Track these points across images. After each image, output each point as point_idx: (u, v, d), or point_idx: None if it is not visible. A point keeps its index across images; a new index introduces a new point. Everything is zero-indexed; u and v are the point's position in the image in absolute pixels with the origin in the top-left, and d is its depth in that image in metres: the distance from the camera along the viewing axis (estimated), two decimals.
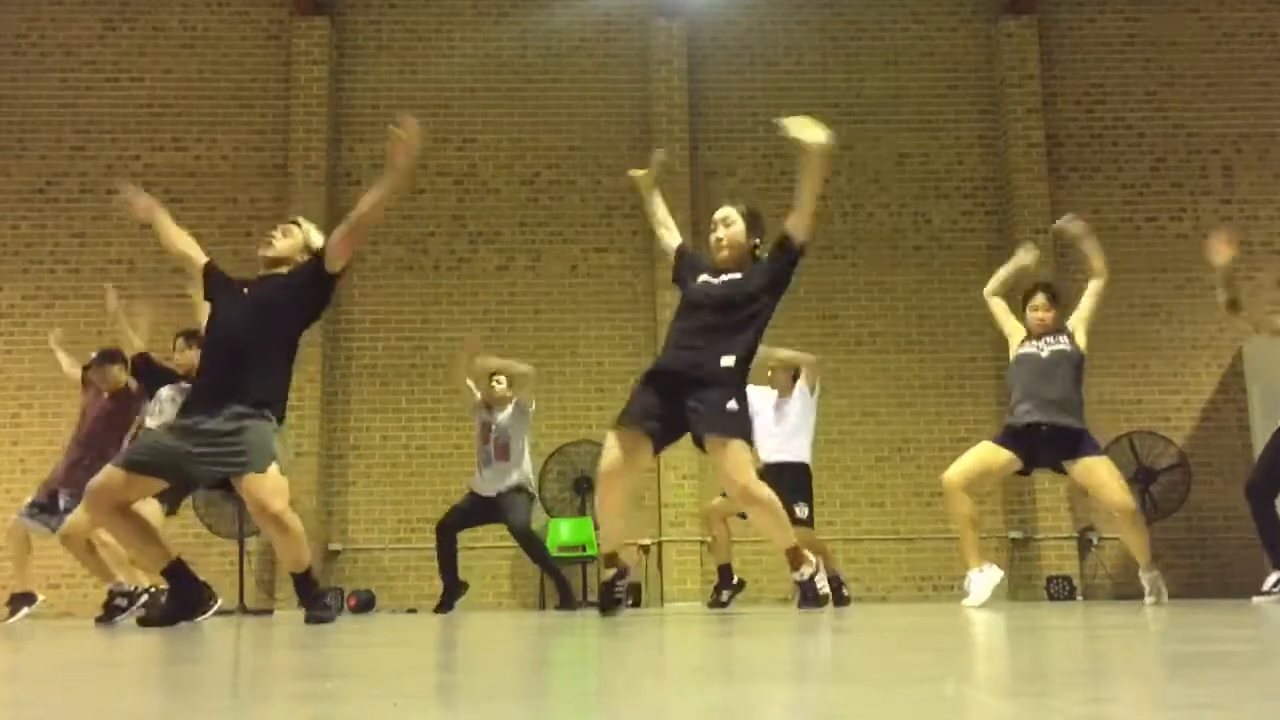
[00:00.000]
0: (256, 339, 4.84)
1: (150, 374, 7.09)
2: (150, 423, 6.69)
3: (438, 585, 9.61)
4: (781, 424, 7.68)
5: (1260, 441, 10.01)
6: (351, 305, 10.52)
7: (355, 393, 10.40)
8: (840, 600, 7.74)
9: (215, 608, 5.48)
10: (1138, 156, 10.99)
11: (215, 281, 5.10)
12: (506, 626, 4.71)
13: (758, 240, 5.26)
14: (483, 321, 10.51)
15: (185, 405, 4.95)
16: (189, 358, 6.63)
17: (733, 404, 4.97)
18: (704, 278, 5.22)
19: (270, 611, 9.27)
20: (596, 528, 9.65)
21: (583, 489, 9.86)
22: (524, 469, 8.25)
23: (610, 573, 5.26)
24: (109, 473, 4.70)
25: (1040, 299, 6.38)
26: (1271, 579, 6.77)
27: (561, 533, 9.68)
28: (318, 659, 2.68)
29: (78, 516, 6.39)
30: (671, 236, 5.52)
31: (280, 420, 4.92)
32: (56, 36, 10.82)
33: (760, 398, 7.76)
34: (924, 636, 3.22)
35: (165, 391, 6.84)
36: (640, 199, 5.61)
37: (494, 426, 8.24)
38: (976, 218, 10.87)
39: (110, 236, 10.47)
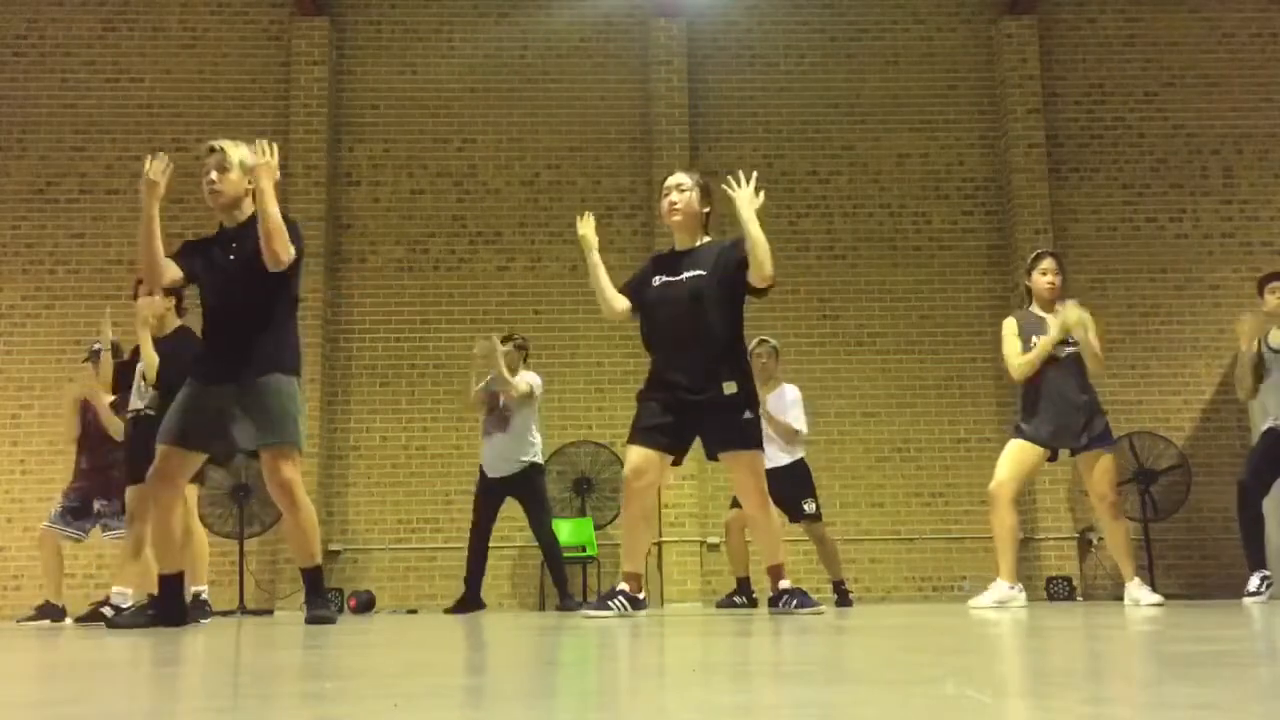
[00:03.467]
0: (257, 300, 4.82)
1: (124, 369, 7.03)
2: (137, 402, 6.58)
3: (438, 585, 9.64)
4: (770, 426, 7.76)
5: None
6: (351, 305, 10.52)
7: (355, 393, 10.40)
8: (845, 601, 7.79)
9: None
10: (1138, 157, 10.99)
11: (193, 256, 4.98)
12: (506, 626, 4.71)
13: (708, 210, 5.27)
14: (482, 321, 10.51)
15: (200, 373, 4.86)
16: (154, 303, 6.47)
17: (747, 414, 5.00)
18: (662, 278, 5.16)
19: (270, 611, 9.28)
20: (598, 528, 9.66)
21: (583, 489, 9.86)
22: (533, 445, 8.14)
23: (624, 586, 5.27)
24: (164, 452, 4.69)
25: (1050, 263, 6.43)
26: (1255, 580, 6.85)
27: (561, 533, 9.67)
28: (318, 659, 2.68)
29: (139, 515, 6.30)
30: (619, 303, 5.31)
31: (299, 375, 4.90)
32: (56, 36, 10.82)
33: None
34: (924, 636, 3.22)
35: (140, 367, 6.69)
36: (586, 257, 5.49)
37: (500, 397, 8.15)
38: (976, 218, 10.87)
39: (110, 236, 10.48)
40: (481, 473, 8.24)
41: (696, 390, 5.00)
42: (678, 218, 5.17)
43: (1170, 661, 2.16)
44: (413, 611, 9.54)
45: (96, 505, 7.23)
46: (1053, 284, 6.39)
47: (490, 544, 8.35)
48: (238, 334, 4.82)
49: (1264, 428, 7.16)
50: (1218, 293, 10.75)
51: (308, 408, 10.07)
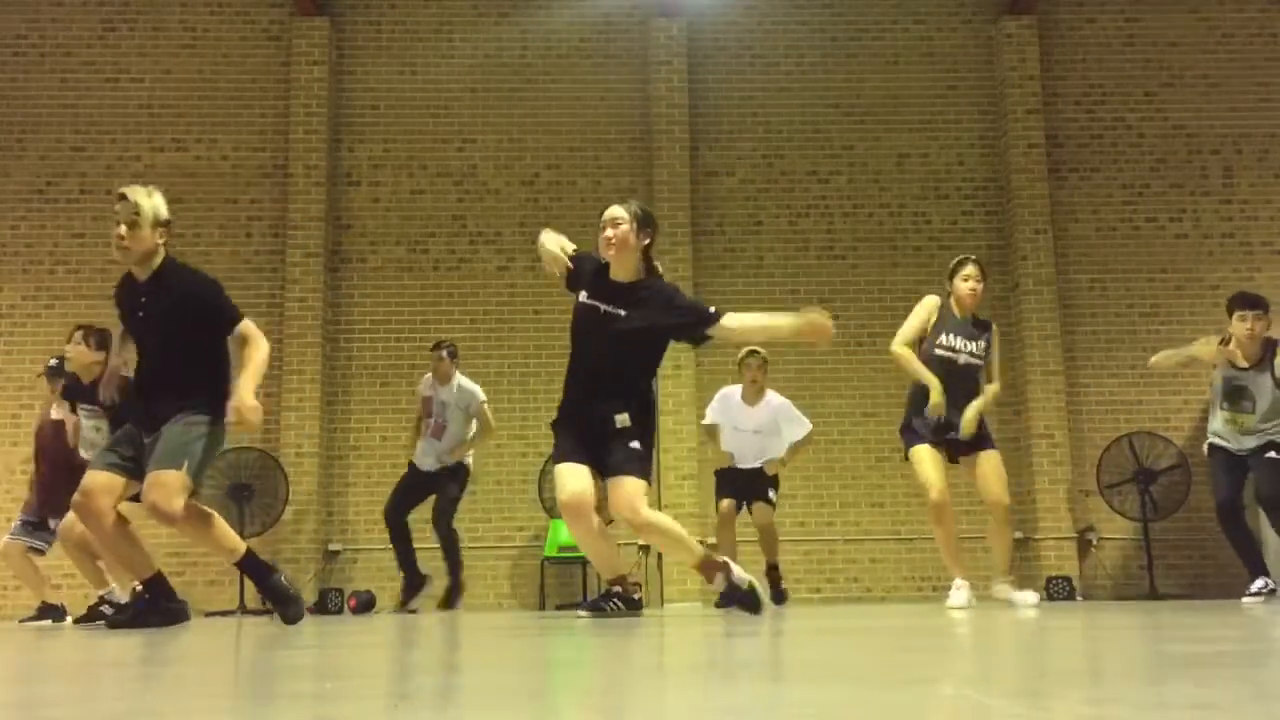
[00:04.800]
0: (168, 352, 4.78)
1: (69, 388, 6.99)
2: (83, 453, 6.60)
3: (437, 586, 9.62)
4: (757, 433, 7.90)
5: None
6: (351, 305, 10.52)
7: (355, 393, 10.40)
8: (778, 591, 7.97)
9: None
10: (1138, 157, 10.99)
11: (120, 302, 5.01)
12: (506, 626, 4.71)
13: (648, 241, 5.08)
14: (483, 322, 10.52)
15: (132, 416, 4.89)
16: (81, 354, 6.53)
17: (635, 444, 4.96)
18: (590, 300, 5.08)
19: (270, 611, 9.27)
20: None
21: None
22: (463, 449, 8.45)
23: (616, 589, 5.35)
24: (95, 477, 4.65)
25: (973, 269, 6.47)
26: (1258, 582, 6.91)
27: (561, 533, 9.67)
28: (318, 659, 2.68)
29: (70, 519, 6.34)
30: (560, 267, 5.29)
31: (214, 414, 4.77)
32: (56, 36, 10.82)
33: (731, 408, 7.93)
34: (924, 637, 3.22)
35: (85, 422, 6.72)
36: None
37: (435, 403, 8.46)
38: (976, 218, 10.87)
39: (110, 236, 10.46)
40: (411, 465, 8.55)
41: (599, 420, 4.97)
42: (612, 252, 5.03)
43: (1170, 661, 2.16)
44: (413, 611, 9.54)
45: (52, 524, 7.26)
46: (974, 290, 6.44)
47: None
48: (150, 382, 4.82)
49: (1207, 445, 7.30)
50: (1218, 293, 10.73)
51: (310, 408, 10.07)
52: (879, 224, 10.82)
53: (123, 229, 4.77)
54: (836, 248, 10.77)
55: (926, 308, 6.50)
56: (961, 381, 6.35)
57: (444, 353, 8.53)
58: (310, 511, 9.89)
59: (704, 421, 8.28)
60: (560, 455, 5.06)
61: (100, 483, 4.63)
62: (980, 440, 6.38)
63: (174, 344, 4.77)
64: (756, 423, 7.93)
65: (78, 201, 10.54)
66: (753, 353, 7.94)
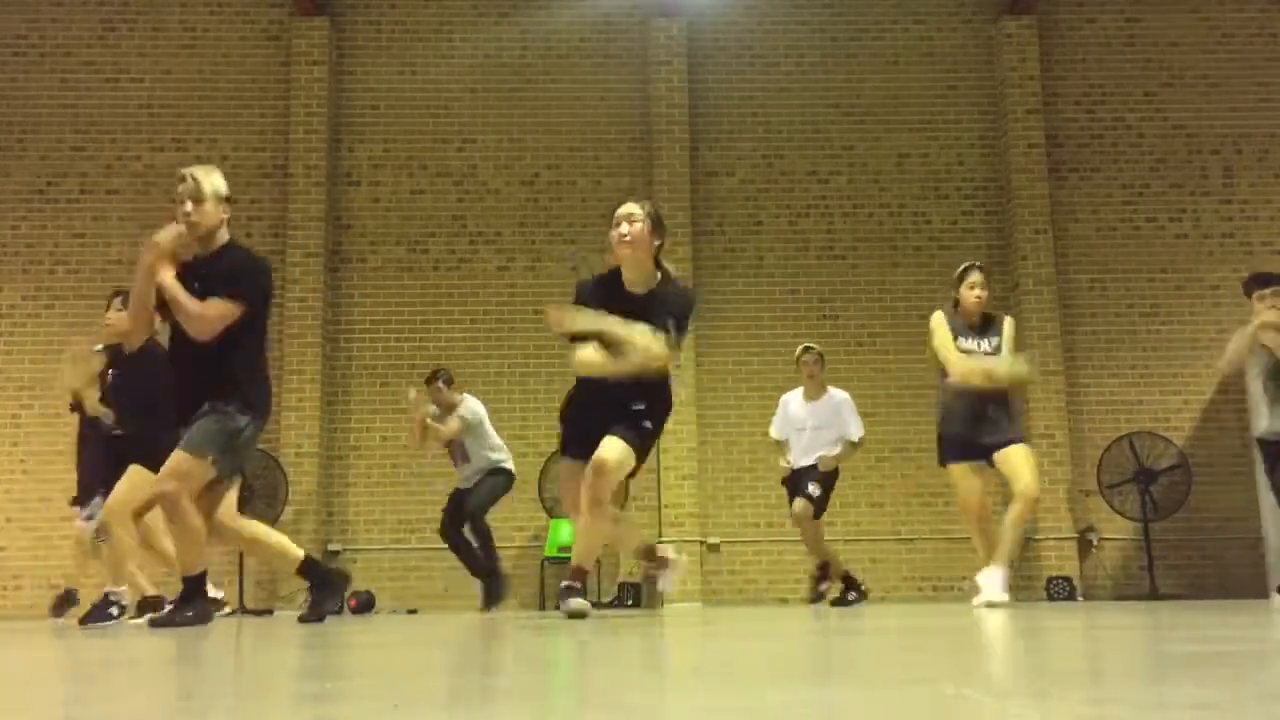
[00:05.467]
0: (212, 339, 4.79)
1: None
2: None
3: (438, 585, 9.64)
4: (817, 429, 7.83)
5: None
6: (351, 305, 10.52)
7: (355, 393, 10.40)
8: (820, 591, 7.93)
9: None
10: (1138, 156, 10.99)
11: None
12: (506, 626, 4.71)
13: (659, 243, 5.02)
14: (482, 322, 10.52)
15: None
16: (122, 318, 6.41)
17: (646, 424, 4.94)
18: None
19: (270, 611, 9.27)
20: None
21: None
22: (491, 458, 8.38)
23: (643, 564, 5.49)
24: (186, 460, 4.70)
25: (977, 276, 6.49)
26: None
27: (562, 533, 9.67)
28: (318, 659, 2.68)
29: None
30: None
31: (248, 412, 4.80)
32: (56, 36, 10.82)
33: (790, 413, 7.91)
34: (924, 637, 3.22)
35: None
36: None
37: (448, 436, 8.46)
38: (977, 218, 10.87)
39: (110, 236, 10.48)
40: (455, 489, 8.56)
41: (615, 403, 4.94)
42: (627, 250, 4.95)
43: (1170, 661, 2.16)
44: (413, 611, 9.54)
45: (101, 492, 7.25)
46: (980, 298, 6.46)
47: (491, 544, 8.40)
48: (192, 369, 4.82)
49: (1259, 436, 7.29)
50: (1218, 293, 10.74)
51: (310, 408, 10.08)
52: (879, 224, 10.82)
53: (189, 204, 4.84)
54: (836, 248, 10.77)
55: (938, 325, 6.54)
56: (988, 398, 6.39)
57: (440, 383, 8.46)
58: (310, 511, 9.89)
59: (771, 435, 8.16)
60: (564, 450, 5.10)
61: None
62: (1010, 438, 6.39)
63: (221, 334, 4.77)
64: (817, 419, 7.84)
65: (78, 201, 10.54)
66: (806, 349, 7.99)
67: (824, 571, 7.92)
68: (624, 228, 4.97)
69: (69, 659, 2.94)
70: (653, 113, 10.73)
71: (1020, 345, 6.68)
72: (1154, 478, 9.75)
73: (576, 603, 5.06)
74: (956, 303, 6.57)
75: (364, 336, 10.49)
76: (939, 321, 6.54)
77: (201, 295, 4.79)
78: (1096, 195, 10.92)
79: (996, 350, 6.45)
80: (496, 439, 8.52)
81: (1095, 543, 10.25)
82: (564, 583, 5.20)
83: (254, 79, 10.83)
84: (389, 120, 10.86)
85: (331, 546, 10.07)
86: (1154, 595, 9.50)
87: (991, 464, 6.45)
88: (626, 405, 4.91)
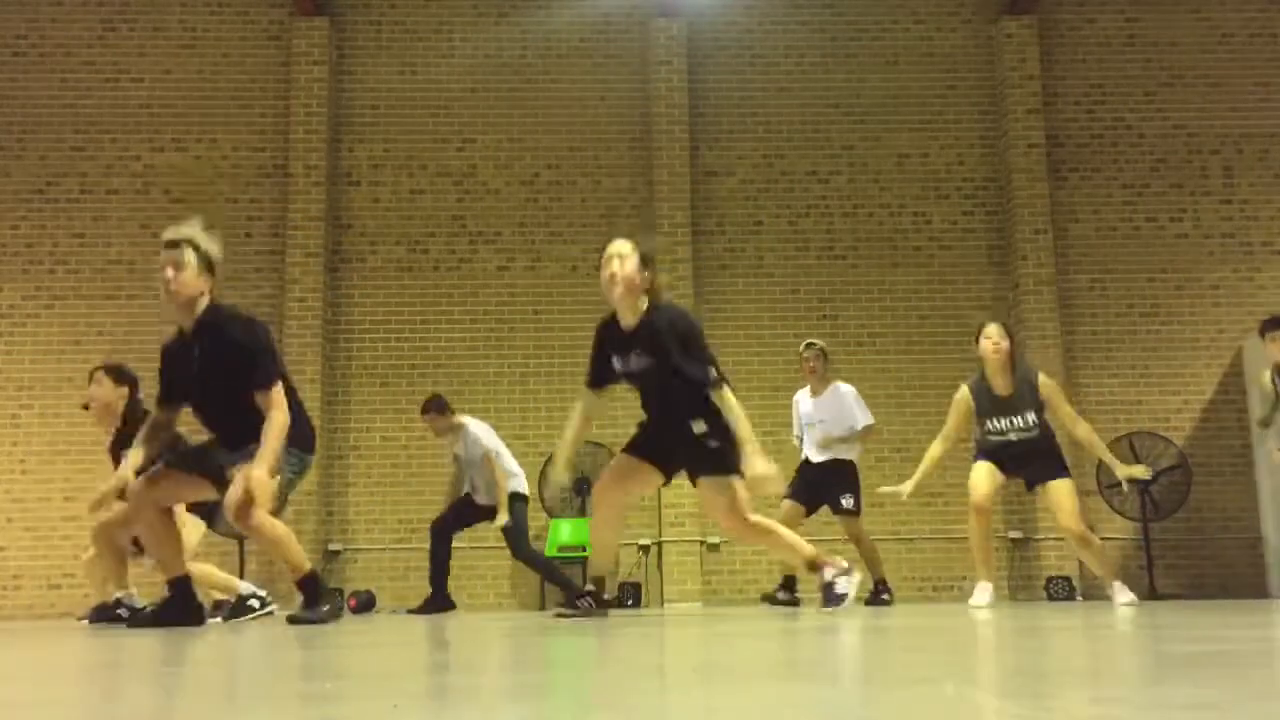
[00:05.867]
0: (227, 398, 4.84)
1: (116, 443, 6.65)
2: None
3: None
4: (823, 422, 7.87)
5: (1261, 442, 10.05)
6: (351, 305, 10.52)
7: (355, 393, 10.40)
8: (877, 600, 7.98)
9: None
10: (1138, 156, 10.99)
11: (170, 381, 5.01)
12: (506, 626, 4.71)
13: (648, 274, 5.02)
14: (482, 322, 10.52)
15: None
16: (107, 391, 6.38)
17: (713, 443, 4.96)
18: (617, 360, 5.11)
19: (270, 611, 9.26)
20: None
21: (583, 490, 9.86)
22: (502, 484, 8.21)
23: (589, 588, 5.39)
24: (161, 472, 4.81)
25: (993, 328, 6.50)
26: None
27: (562, 533, 9.68)
28: (318, 659, 2.68)
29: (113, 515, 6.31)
30: (595, 411, 5.45)
31: (299, 449, 4.99)
32: (56, 36, 10.82)
33: (800, 410, 7.99)
34: (924, 636, 3.22)
35: None
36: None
37: (457, 458, 8.42)
38: (977, 218, 10.87)
39: (110, 236, 10.48)
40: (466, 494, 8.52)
41: (676, 436, 5.04)
42: (618, 290, 4.94)
43: (1170, 661, 2.16)
44: (413, 611, 9.54)
45: None
46: (997, 347, 6.46)
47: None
48: (219, 430, 4.91)
49: None
50: (1218, 293, 10.75)
51: (310, 408, 10.07)
52: (879, 224, 10.82)
53: (170, 271, 4.74)
54: (836, 248, 10.77)
55: (957, 405, 6.64)
56: (1024, 450, 6.47)
57: (432, 414, 8.30)
58: (310, 511, 9.89)
59: (794, 438, 8.22)
60: (628, 446, 5.22)
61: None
62: (1053, 470, 6.46)
63: (232, 391, 4.77)
64: (823, 413, 7.88)
65: (78, 201, 10.54)
66: (808, 345, 8.02)
67: (884, 584, 7.95)
68: (614, 267, 4.95)
69: (69, 659, 2.94)
70: (653, 113, 10.73)
71: (1049, 397, 6.56)
72: (1154, 478, 9.75)
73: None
74: (983, 372, 6.54)
75: (364, 336, 10.49)
76: (957, 405, 6.62)
77: (204, 369, 4.80)
78: (1096, 195, 10.91)
79: (1031, 428, 6.41)
80: (510, 463, 8.35)
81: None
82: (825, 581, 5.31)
83: (254, 79, 10.83)
84: (389, 120, 10.86)
85: (332, 546, 10.08)
86: (1154, 595, 9.50)
87: (1030, 489, 6.58)
88: (688, 430, 4.98)
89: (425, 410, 8.42)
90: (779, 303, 10.65)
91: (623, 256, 4.94)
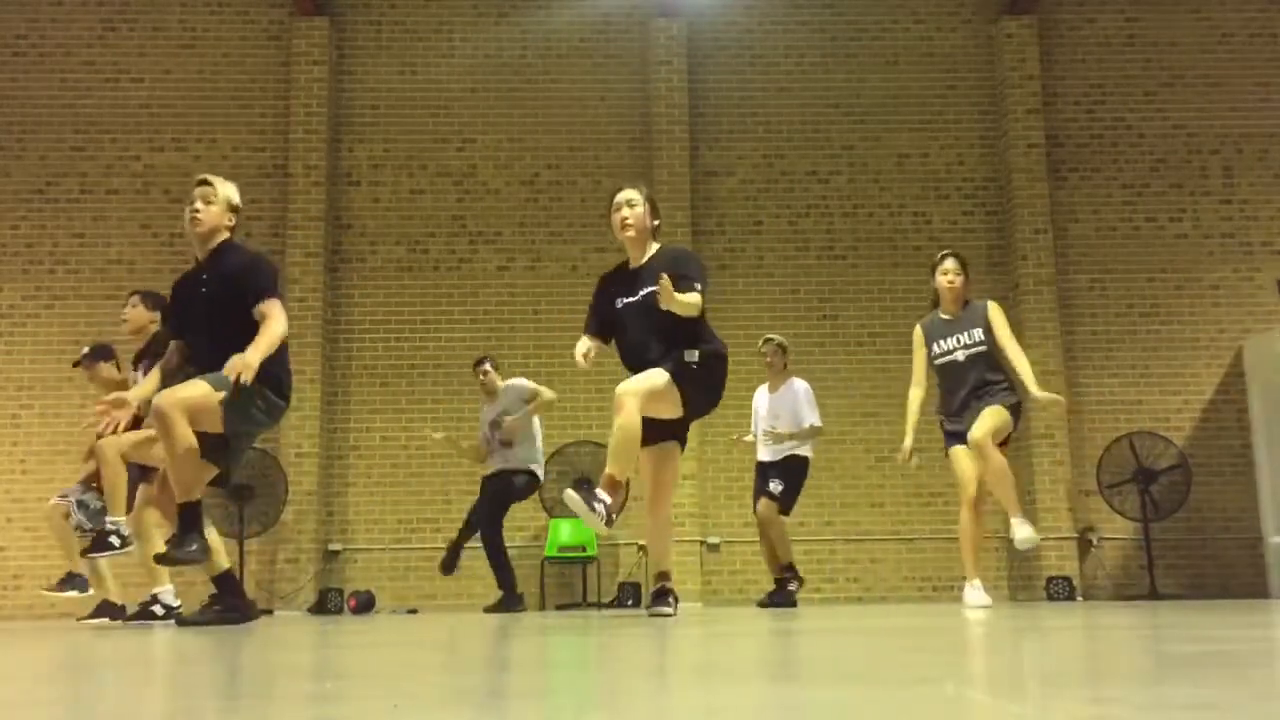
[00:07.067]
0: (226, 328, 4.93)
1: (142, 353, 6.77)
2: None
3: (438, 585, 9.63)
4: (770, 421, 7.90)
5: (1261, 442, 10.06)
6: (351, 305, 10.52)
7: (355, 393, 10.40)
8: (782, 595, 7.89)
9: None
10: (1138, 156, 10.99)
11: (176, 315, 5.20)
12: (506, 626, 4.71)
13: (657, 223, 5.47)
14: (482, 322, 10.52)
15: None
16: (139, 315, 6.58)
17: (695, 365, 5.15)
18: (622, 300, 5.34)
19: (270, 611, 9.27)
20: None
21: (583, 489, 9.84)
22: (529, 451, 8.32)
23: (662, 584, 5.63)
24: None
25: (951, 263, 6.56)
26: None
27: (561, 533, 9.68)
28: (318, 659, 2.68)
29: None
30: (593, 352, 5.51)
31: (274, 392, 4.97)
32: (56, 36, 10.82)
33: (758, 406, 8.00)
34: (924, 637, 3.22)
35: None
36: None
37: (493, 426, 8.36)
38: (977, 218, 10.87)
39: (110, 236, 10.48)
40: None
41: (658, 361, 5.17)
42: (630, 233, 5.36)
43: (1170, 661, 2.16)
44: (413, 611, 9.54)
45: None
46: (951, 284, 6.53)
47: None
48: (211, 352, 4.93)
49: None
50: (1218, 293, 10.75)
51: (310, 408, 10.07)
52: (879, 224, 10.82)
53: (199, 204, 5.08)
54: (836, 248, 10.77)
55: (916, 340, 6.72)
56: (969, 376, 6.42)
57: (486, 366, 8.45)
58: (310, 511, 9.90)
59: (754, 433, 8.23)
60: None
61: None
62: (994, 401, 6.37)
63: (230, 322, 4.91)
64: (773, 409, 7.90)
65: (78, 201, 10.54)
66: (766, 340, 8.06)
67: (792, 571, 7.94)
68: (625, 213, 5.35)
69: (69, 659, 2.94)
70: (653, 113, 10.73)
71: (1019, 336, 6.67)
72: (1154, 478, 9.75)
73: None
74: (935, 299, 6.65)
75: (364, 336, 10.49)
76: (916, 340, 6.70)
77: (210, 294, 4.99)
78: (1096, 195, 10.92)
79: (978, 344, 6.44)
80: (539, 438, 8.43)
81: (1095, 543, 10.25)
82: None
83: (254, 79, 10.84)
84: (389, 120, 10.86)
85: (332, 546, 10.08)
86: (1154, 595, 9.50)
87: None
88: (689, 364, 5.13)
89: (482, 361, 8.50)
90: (779, 303, 10.65)
91: (633, 203, 5.36)
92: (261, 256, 5.25)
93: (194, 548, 4.73)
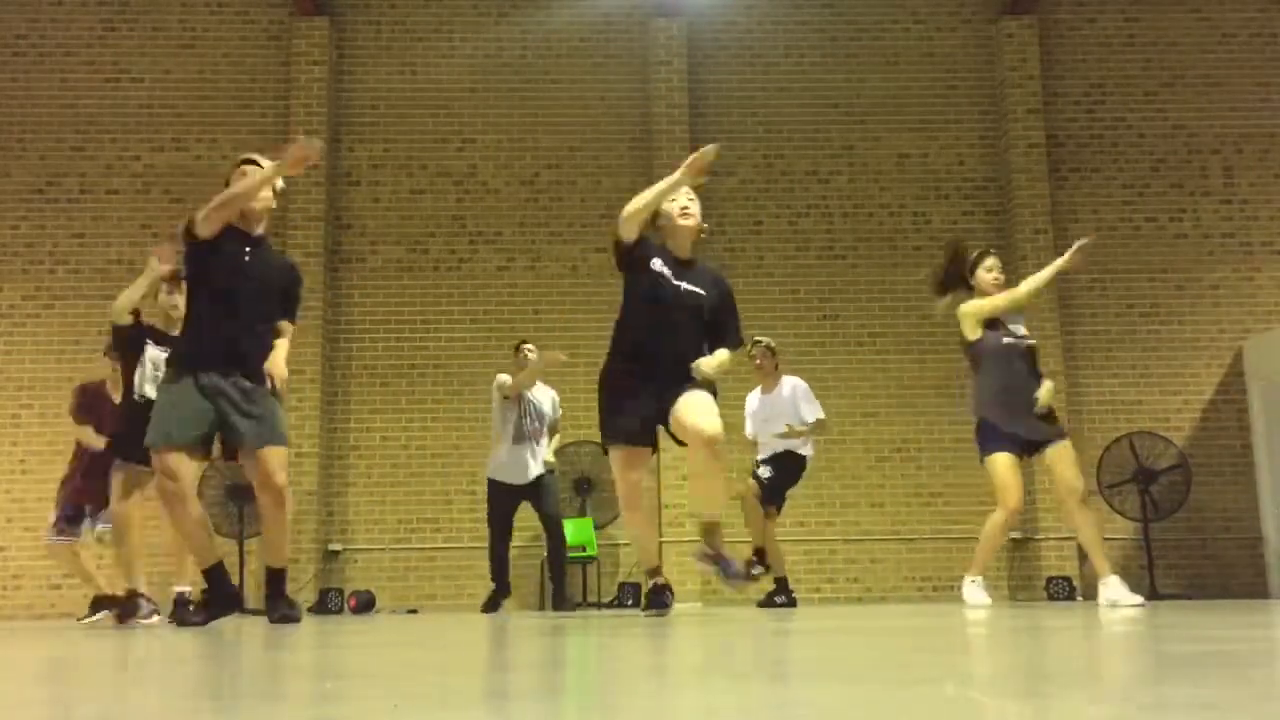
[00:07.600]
0: (267, 303, 5.09)
1: (136, 333, 6.59)
2: (149, 390, 6.30)
3: (438, 585, 9.64)
4: (766, 420, 7.94)
5: (1261, 442, 10.06)
6: (351, 305, 10.53)
7: (355, 393, 10.40)
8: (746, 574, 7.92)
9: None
10: (1138, 156, 10.99)
11: (209, 243, 5.09)
12: (506, 627, 4.71)
13: (706, 224, 5.51)
14: (482, 322, 10.52)
15: (187, 362, 4.93)
16: (172, 301, 6.48)
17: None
18: (667, 273, 5.23)
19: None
20: (598, 528, 9.67)
21: (583, 489, 9.86)
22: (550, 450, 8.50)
23: (655, 581, 5.56)
24: (173, 458, 4.75)
25: (994, 260, 6.56)
26: None
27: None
28: (318, 659, 2.68)
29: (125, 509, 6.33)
30: (639, 229, 5.34)
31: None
32: (56, 36, 10.82)
33: (753, 408, 8.05)
34: (924, 637, 3.22)
35: (153, 353, 6.44)
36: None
37: (534, 403, 8.37)
38: (977, 218, 10.87)
39: (110, 236, 10.48)
40: (493, 482, 8.42)
41: (681, 363, 5.13)
42: (690, 222, 5.32)
43: (1170, 661, 2.16)
44: (413, 611, 9.55)
45: (88, 509, 7.32)
46: (998, 281, 6.52)
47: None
48: (243, 331, 4.94)
49: None
50: (1218, 293, 10.75)
51: (310, 408, 10.09)
52: (879, 224, 10.82)
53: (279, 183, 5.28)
54: (836, 248, 10.77)
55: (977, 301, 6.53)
56: (1023, 365, 6.41)
57: (528, 348, 8.46)
58: (310, 511, 9.89)
59: (747, 436, 8.22)
60: (615, 437, 5.23)
61: (186, 467, 4.80)
62: (1055, 434, 6.38)
63: (269, 309, 5.11)
64: (768, 410, 7.95)
65: (78, 201, 10.54)
66: (755, 342, 8.04)
67: (760, 557, 7.92)
68: (688, 203, 5.34)
69: (70, 658, 2.94)
70: (653, 113, 10.73)
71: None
72: (1154, 478, 9.75)
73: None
74: (970, 288, 6.55)
75: (364, 336, 10.49)
76: (973, 301, 6.47)
77: (256, 273, 5.09)
78: (1096, 195, 10.92)
79: (1028, 337, 6.50)
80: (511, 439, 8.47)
81: None
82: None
83: (254, 79, 10.84)
84: (389, 120, 10.86)
85: (332, 546, 10.07)
86: (1154, 595, 9.50)
87: (1029, 456, 6.42)
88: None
89: (518, 349, 8.52)
90: (779, 303, 10.65)
91: (694, 201, 5.39)
92: (298, 268, 5.48)
93: (294, 609, 5.05)
